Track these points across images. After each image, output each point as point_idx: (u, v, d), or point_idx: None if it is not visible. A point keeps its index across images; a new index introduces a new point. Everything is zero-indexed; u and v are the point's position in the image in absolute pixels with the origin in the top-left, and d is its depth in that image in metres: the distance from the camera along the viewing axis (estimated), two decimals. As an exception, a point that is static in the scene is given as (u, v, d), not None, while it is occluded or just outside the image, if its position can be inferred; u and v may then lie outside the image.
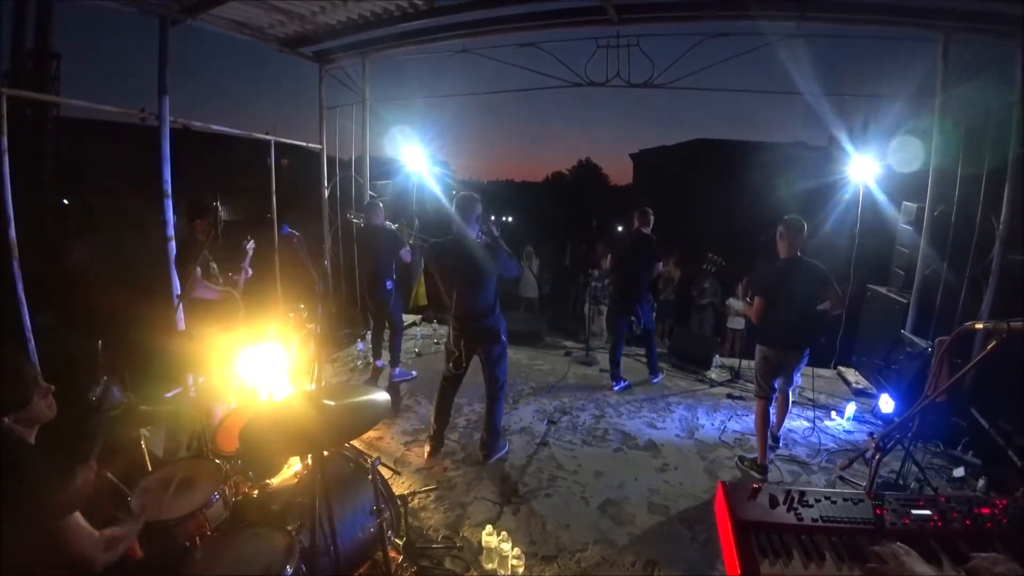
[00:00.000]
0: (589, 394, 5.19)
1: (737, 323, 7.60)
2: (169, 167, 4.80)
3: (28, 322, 3.91)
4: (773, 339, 3.74)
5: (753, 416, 4.67)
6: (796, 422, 4.63)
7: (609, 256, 5.56)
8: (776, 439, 4.20)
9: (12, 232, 3.80)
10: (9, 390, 1.74)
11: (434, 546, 2.95)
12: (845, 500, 1.74)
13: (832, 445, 4.27)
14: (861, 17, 4.76)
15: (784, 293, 3.62)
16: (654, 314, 5.75)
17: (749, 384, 5.23)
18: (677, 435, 4.42)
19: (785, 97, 5.77)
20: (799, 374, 3.99)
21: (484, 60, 6.03)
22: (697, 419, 4.73)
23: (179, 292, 4.61)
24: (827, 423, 4.66)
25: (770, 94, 6.11)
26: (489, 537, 2.83)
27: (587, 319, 7.25)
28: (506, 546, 2.78)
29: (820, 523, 1.67)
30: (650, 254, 5.27)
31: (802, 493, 1.76)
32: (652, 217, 5.28)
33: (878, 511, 1.69)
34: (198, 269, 3.81)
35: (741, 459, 4.00)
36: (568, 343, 6.93)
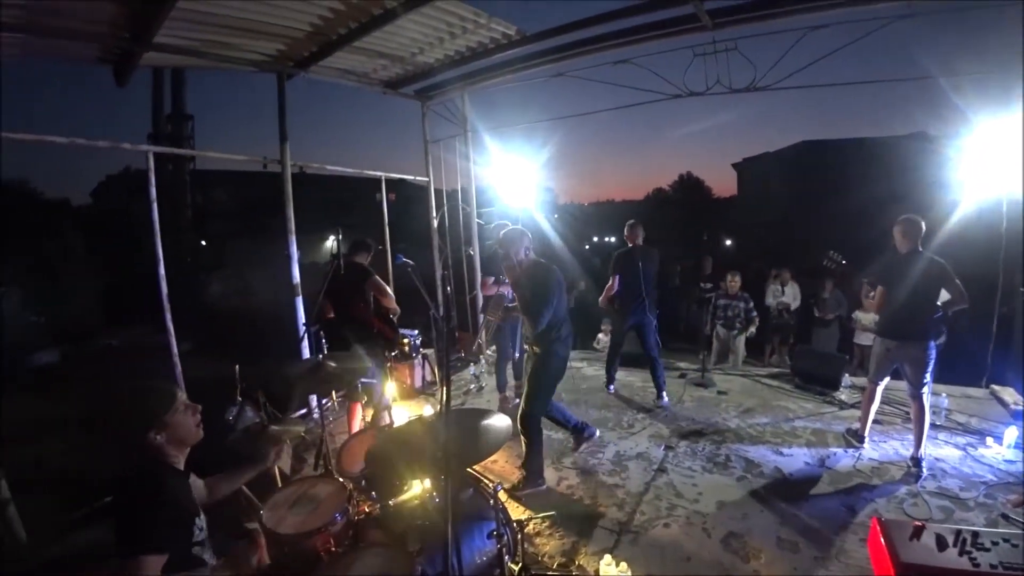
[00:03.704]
0: (708, 417, 4.91)
1: (866, 339, 6.90)
2: (292, 208, 5.24)
3: (175, 348, 4.40)
4: (894, 330, 3.91)
5: (891, 441, 4.29)
6: (945, 449, 4.12)
7: (613, 278, 5.37)
8: (917, 463, 3.76)
9: (161, 269, 4.32)
10: (151, 402, 1.82)
11: (550, 573, 2.91)
12: (1031, 544, 1.51)
13: (990, 477, 3.71)
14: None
15: (903, 285, 3.77)
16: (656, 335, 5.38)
17: (886, 406, 4.73)
18: (806, 463, 4.06)
19: (902, 85, 5.29)
20: (930, 376, 3.81)
21: (577, 82, 6.03)
22: (827, 445, 4.32)
23: (304, 320, 4.99)
24: (982, 451, 4.09)
25: (884, 83, 5.64)
26: (607, 567, 2.74)
27: (711, 339, 7.14)
28: (625, 577, 2.69)
29: (1000, 570, 1.44)
30: (653, 266, 5.26)
31: (975, 534, 1.54)
32: (641, 228, 5.34)
33: (1074, 558, 1.45)
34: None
35: (848, 430, 4.41)
36: (682, 364, 6.57)
